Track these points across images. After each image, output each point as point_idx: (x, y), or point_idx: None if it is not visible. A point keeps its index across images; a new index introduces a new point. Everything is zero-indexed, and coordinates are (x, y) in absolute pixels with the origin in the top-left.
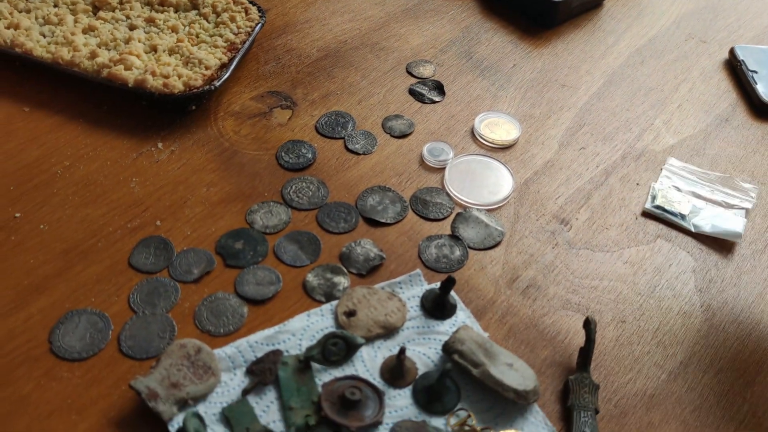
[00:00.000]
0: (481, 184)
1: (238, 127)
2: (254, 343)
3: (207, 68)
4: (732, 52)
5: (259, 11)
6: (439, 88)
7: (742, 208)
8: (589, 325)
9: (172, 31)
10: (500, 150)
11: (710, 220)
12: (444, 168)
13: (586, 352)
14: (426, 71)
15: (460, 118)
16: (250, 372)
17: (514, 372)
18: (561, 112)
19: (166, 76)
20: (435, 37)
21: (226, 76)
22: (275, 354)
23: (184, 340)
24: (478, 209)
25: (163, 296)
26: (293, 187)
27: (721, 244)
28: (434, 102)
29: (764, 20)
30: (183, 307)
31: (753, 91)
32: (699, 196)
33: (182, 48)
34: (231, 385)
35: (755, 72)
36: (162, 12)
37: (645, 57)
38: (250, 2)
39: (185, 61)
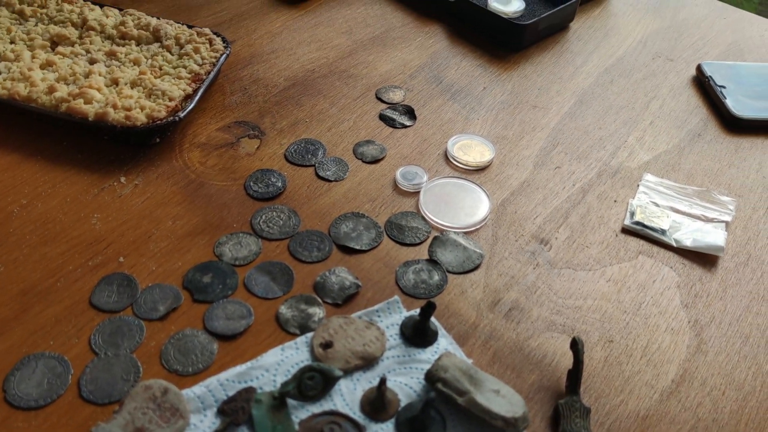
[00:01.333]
0: (457, 206)
1: (205, 159)
2: (225, 381)
3: (171, 100)
4: (699, 68)
5: (224, 42)
6: (410, 113)
7: (722, 221)
8: (576, 346)
9: (134, 64)
10: (475, 172)
11: (691, 234)
12: (418, 192)
13: (575, 375)
14: (396, 96)
15: (433, 141)
16: (221, 412)
17: (501, 399)
18: (534, 132)
19: (128, 109)
20: (403, 64)
21: (190, 107)
22: (248, 391)
23: (149, 381)
24: (455, 232)
25: (127, 336)
26: (263, 216)
27: (703, 258)
28: (405, 126)
29: (727, 38)
30: (148, 347)
31: (723, 105)
32: (678, 211)
33: (145, 80)
34: (201, 427)
35: (723, 87)
36: (123, 45)
37: (614, 76)
38: (215, 33)
39: (148, 93)
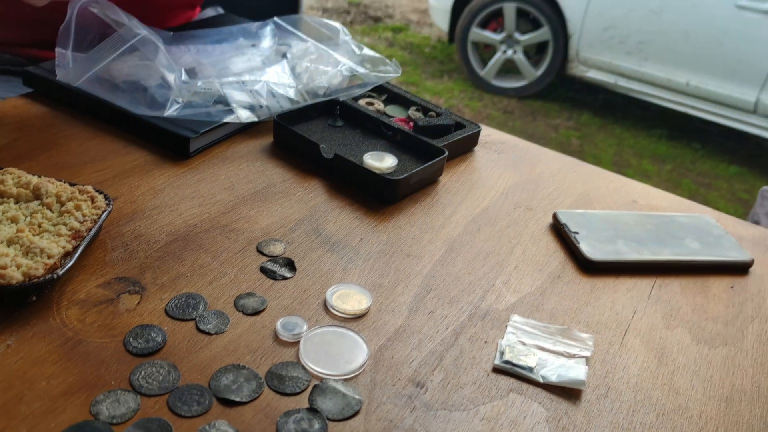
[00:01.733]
0: (337, 354)
1: (83, 316)
2: None
3: (50, 257)
4: (555, 216)
5: (106, 199)
6: (290, 265)
7: (582, 357)
8: None
9: (12, 222)
10: (353, 320)
11: (556, 370)
12: (299, 341)
13: None
14: (276, 249)
15: (312, 291)
16: None
17: None
18: (408, 279)
19: (3, 267)
20: (284, 217)
21: (69, 265)
22: None
23: None
24: (334, 380)
25: None
26: (142, 372)
27: (568, 393)
28: (286, 278)
29: (578, 189)
30: None
31: (577, 249)
32: (543, 349)
33: (22, 238)
34: None
35: (577, 233)
36: (1, 204)
37: (480, 225)
38: (97, 191)
39: (26, 251)
